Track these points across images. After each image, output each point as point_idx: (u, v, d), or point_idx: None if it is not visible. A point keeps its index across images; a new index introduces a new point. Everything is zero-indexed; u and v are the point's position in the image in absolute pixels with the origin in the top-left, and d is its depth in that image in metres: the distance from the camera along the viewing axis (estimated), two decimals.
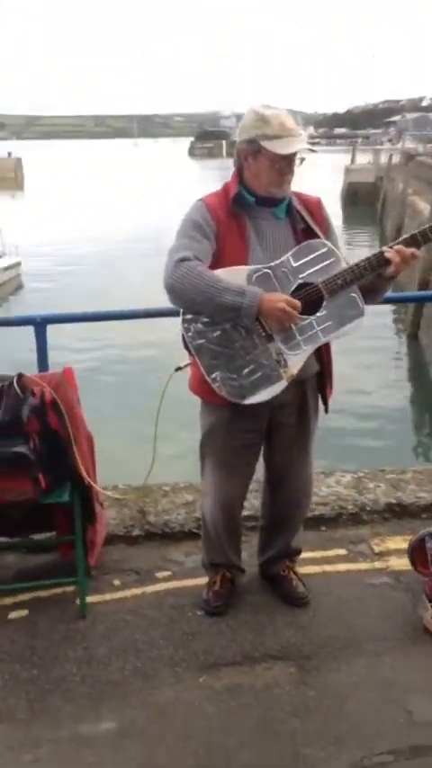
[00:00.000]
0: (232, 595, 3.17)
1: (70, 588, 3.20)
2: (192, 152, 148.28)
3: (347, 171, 48.66)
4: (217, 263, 2.68)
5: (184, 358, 2.87)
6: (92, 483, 3.16)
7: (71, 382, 3.20)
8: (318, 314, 2.69)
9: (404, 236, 2.76)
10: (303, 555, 3.45)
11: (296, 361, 2.69)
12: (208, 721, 2.54)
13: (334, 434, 10.40)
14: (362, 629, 3.00)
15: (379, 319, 16.64)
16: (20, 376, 3.01)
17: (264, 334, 2.66)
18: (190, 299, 2.59)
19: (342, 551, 3.55)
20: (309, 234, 2.78)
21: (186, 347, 2.73)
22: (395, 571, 3.36)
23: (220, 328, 2.67)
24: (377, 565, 3.43)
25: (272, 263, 2.68)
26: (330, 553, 3.54)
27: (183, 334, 2.71)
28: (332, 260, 2.70)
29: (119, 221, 38.43)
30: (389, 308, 17.53)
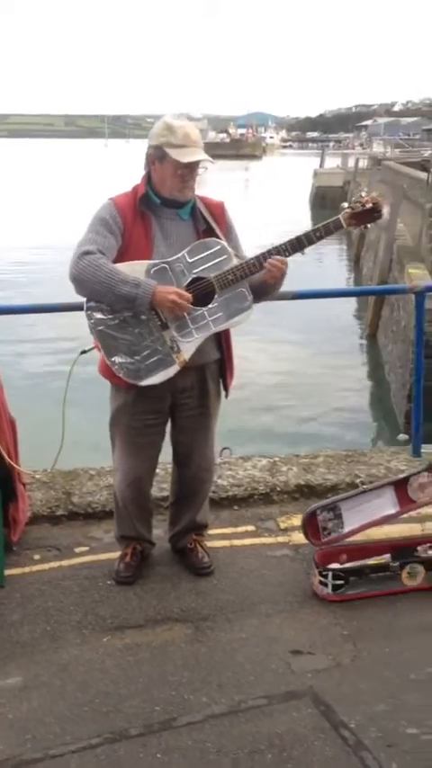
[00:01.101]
0: (142, 567, 3.43)
1: None
2: None
3: (316, 174, 48.98)
4: (123, 257, 2.95)
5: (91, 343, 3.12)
6: (12, 463, 3.39)
7: None
8: (209, 306, 2.96)
9: (291, 238, 3.03)
10: (214, 530, 3.74)
11: (188, 347, 2.97)
12: (106, 674, 2.80)
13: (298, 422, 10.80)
14: (257, 594, 3.28)
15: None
16: None
17: (159, 322, 2.94)
18: (90, 289, 2.86)
19: (251, 527, 3.84)
20: (209, 234, 3.06)
21: (91, 332, 3.00)
22: (296, 544, 3.64)
23: (120, 316, 2.93)
24: (280, 539, 3.72)
25: (169, 259, 2.96)
26: (240, 529, 3.82)
27: (87, 321, 2.98)
28: (224, 257, 2.98)
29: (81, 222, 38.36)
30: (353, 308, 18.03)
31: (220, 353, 3.19)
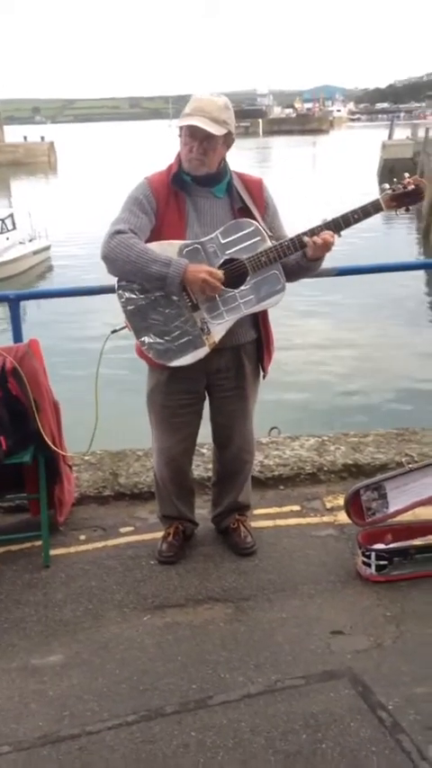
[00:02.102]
0: (185, 546, 3.45)
1: (39, 543, 3.50)
2: None
3: (384, 147, 47.88)
4: (157, 236, 2.93)
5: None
6: (54, 447, 3.44)
7: (36, 353, 3.49)
8: (241, 287, 2.93)
9: (327, 219, 2.97)
10: (259, 510, 3.73)
11: (219, 329, 2.94)
12: (144, 653, 2.83)
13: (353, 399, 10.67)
14: (300, 574, 3.26)
15: None
16: None
17: (190, 303, 2.92)
18: (121, 268, 2.86)
19: (296, 507, 3.80)
20: (245, 213, 3.01)
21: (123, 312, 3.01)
22: (341, 524, 3.60)
23: (151, 296, 2.93)
24: (326, 519, 3.68)
25: (202, 239, 2.93)
26: (285, 509, 3.79)
27: (118, 300, 2.98)
28: (258, 238, 2.93)
29: None
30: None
31: (256, 333, 3.15)
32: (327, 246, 2.93)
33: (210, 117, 2.84)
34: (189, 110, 2.87)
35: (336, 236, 2.93)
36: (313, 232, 2.93)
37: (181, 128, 2.90)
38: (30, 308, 15.77)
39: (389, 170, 44.69)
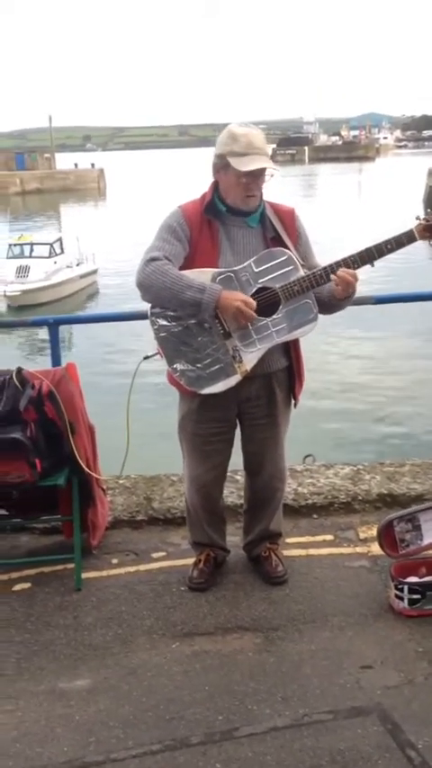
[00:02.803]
0: (216, 574, 3.43)
1: (71, 565, 3.52)
2: (274, 158, 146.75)
3: (430, 173, 47.71)
4: (190, 264, 2.97)
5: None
6: (87, 470, 3.46)
7: (73, 377, 3.53)
8: (274, 316, 2.94)
9: (360, 249, 2.96)
10: (292, 539, 3.71)
11: (251, 358, 2.95)
12: (172, 680, 2.81)
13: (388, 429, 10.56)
14: (331, 605, 3.21)
15: None
16: (19, 370, 3.35)
17: (222, 330, 2.94)
18: (156, 294, 2.90)
19: (329, 537, 3.77)
20: (278, 242, 3.03)
21: (155, 338, 3.04)
22: (375, 555, 3.54)
23: (184, 323, 2.95)
24: (359, 549, 3.63)
25: (235, 267, 2.95)
26: (318, 538, 3.76)
27: (150, 327, 3.01)
28: (291, 267, 2.95)
29: None
30: None
31: (288, 361, 3.15)
32: (349, 284, 2.92)
33: (266, 153, 2.90)
34: (243, 149, 2.86)
35: (369, 265, 2.93)
36: (346, 262, 2.94)
37: (236, 169, 2.86)
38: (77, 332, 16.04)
39: None
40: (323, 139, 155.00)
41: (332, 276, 2.91)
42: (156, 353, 3.10)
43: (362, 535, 3.75)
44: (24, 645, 3.05)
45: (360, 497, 4.01)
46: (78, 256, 26.17)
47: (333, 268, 2.93)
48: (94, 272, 26.40)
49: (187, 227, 2.98)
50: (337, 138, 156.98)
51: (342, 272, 2.90)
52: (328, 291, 2.99)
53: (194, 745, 2.50)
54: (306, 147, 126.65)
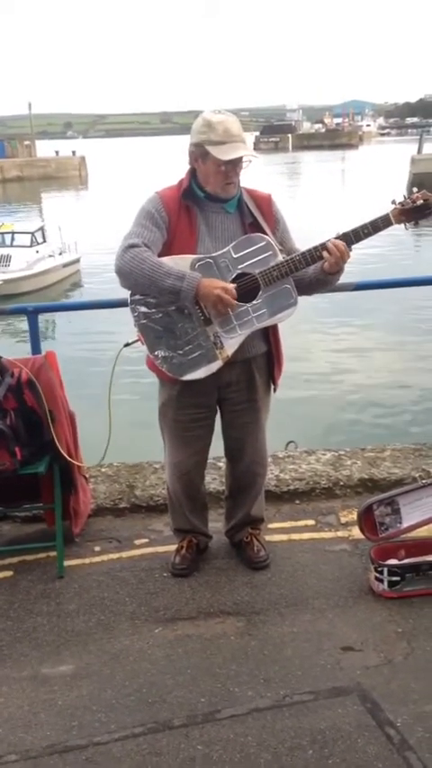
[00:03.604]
0: (198, 560, 3.45)
1: (54, 553, 3.53)
2: (257, 146, 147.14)
3: (413, 161, 47.66)
4: (168, 251, 2.96)
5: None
6: (69, 457, 3.47)
7: (53, 365, 3.53)
8: (254, 302, 2.95)
9: (340, 232, 2.99)
10: (274, 525, 3.74)
11: (232, 343, 2.97)
12: (155, 665, 2.83)
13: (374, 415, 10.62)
14: (312, 588, 3.25)
15: None
16: None
17: (203, 317, 2.94)
18: (135, 282, 2.89)
19: (311, 522, 3.80)
20: (256, 228, 3.04)
21: (135, 325, 3.04)
22: (355, 539, 3.58)
23: (164, 310, 2.96)
24: (340, 534, 3.67)
25: (214, 254, 2.95)
26: (299, 523, 3.79)
27: (131, 314, 3.01)
28: (269, 253, 2.96)
29: None
30: None
31: (267, 346, 3.16)
32: (342, 257, 2.94)
33: (243, 141, 2.90)
34: (220, 137, 2.85)
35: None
36: (324, 247, 2.95)
37: (216, 157, 2.86)
38: (60, 321, 15.98)
39: (418, 184, 44.06)
40: (306, 127, 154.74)
41: (329, 244, 2.91)
42: (136, 340, 3.11)
43: (343, 519, 3.79)
44: (7, 632, 3.06)
45: (341, 483, 4.05)
46: (61, 245, 25.99)
47: (312, 253, 2.94)
48: (77, 260, 26.22)
49: (165, 213, 2.98)
50: (321, 125, 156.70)
51: (334, 241, 2.91)
52: (314, 270, 3.00)
53: (177, 727, 2.53)
54: (290, 135, 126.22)
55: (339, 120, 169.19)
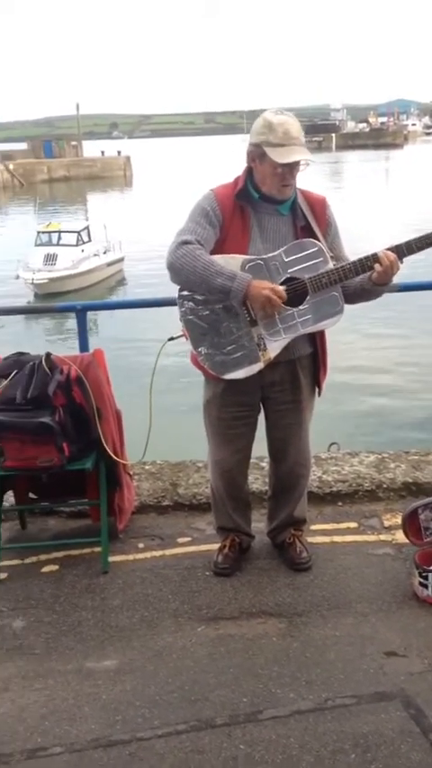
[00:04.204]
0: (241, 559, 3.46)
1: (98, 549, 3.57)
2: None
3: None
4: (220, 249, 2.98)
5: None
6: (112, 454, 3.50)
7: (101, 363, 3.57)
8: (300, 307, 2.95)
9: (391, 245, 2.98)
10: (316, 526, 3.73)
11: (275, 346, 2.97)
12: (197, 663, 2.85)
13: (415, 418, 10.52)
14: (355, 592, 3.23)
15: None
16: (47, 355, 3.40)
17: (249, 318, 2.96)
18: (186, 278, 2.92)
19: (353, 524, 3.78)
20: (307, 231, 3.04)
21: (180, 320, 3.06)
22: (399, 543, 3.55)
23: (211, 307, 2.97)
24: (383, 537, 3.64)
25: (265, 256, 2.96)
26: (342, 525, 3.77)
27: (178, 309, 3.03)
28: (320, 259, 2.96)
29: None
30: None
31: (312, 348, 3.16)
32: (392, 269, 2.93)
33: (302, 144, 2.90)
34: (280, 139, 2.84)
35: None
36: (376, 258, 2.93)
37: (272, 159, 2.85)
38: (102, 319, 16.12)
39: None
40: (350, 126, 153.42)
41: (381, 254, 2.90)
42: (181, 335, 3.13)
43: (386, 523, 3.76)
44: (53, 625, 3.11)
45: (385, 485, 4.02)
46: (105, 244, 26.22)
47: (363, 263, 2.94)
48: (121, 260, 26.46)
49: (220, 211, 2.99)
50: (365, 124, 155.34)
51: (386, 252, 2.90)
52: (361, 279, 2.99)
53: (219, 726, 2.54)
54: (333, 135, 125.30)
55: (384, 119, 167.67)
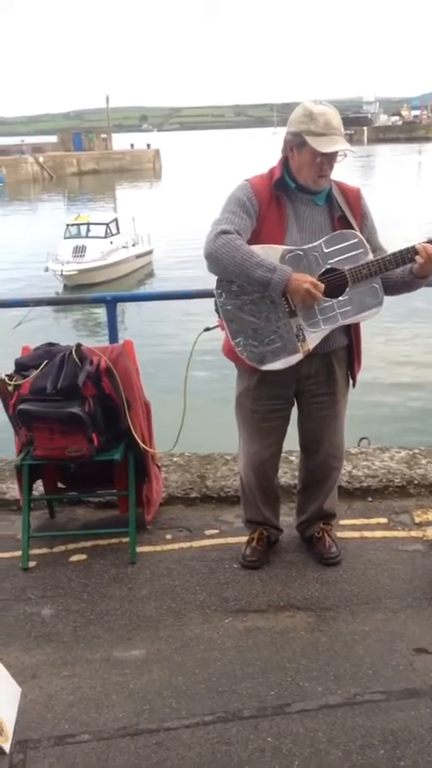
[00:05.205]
0: (269, 552, 3.45)
1: (126, 540, 3.58)
2: None
3: None
4: (256, 239, 2.96)
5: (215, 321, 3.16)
6: (143, 445, 3.51)
7: (130, 354, 3.58)
8: (340, 298, 2.93)
9: (429, 237, 2.94)
10: (345, 521, 3.70)
11: (314, 337, 2.95)
12: (224, 654, 2.84)
13: None
14: (384, 588, 3.20)
15: None
16: (78, 346, 3.41)
17: (288, 309, 2.94)
18: (225, 268, 2.89)
19: (383, 520, 3.74)
20: (344, 222, 3.01)
21: (217, 311, 3.04)
22: (430, 540, 3.52)
23: (250, 298, 2.95)
24: (414, 533, 3.60)
25: (305, 246, 2.94)
26: (372, 521, 3.74)
27: (215, 299, 3.02)
28: (361, 251, 2.94)
29: None
30: None
31: (348, 340, 3.13)
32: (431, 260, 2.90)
33: (342, 134, 2.88)
34: (321, 129, 2.83)
35: None
36: (416, 250, 2.90)
37: (314, 149, 2.84)
38: (129, 311, 16.15)
39: None
40: (383, 119, 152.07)
41: (419, 247, 2.88)
42: (216, 326, 3.11)
43: (417, 519, 3.72)
44: (81, 614, 3.12)
45: (416, 481, 3.98)
46: (134, 236, 26.26)
47: (403, 255, 2.91)
48: (150, 252, 26.49)
49: (256, 201, 2.97)
50: (398, 118, 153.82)
51: (425, 245, 2.87)
52: (401, 271, 2.97)
53: (246, 718, 2.53)
54: (365, 128, 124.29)
55: (417, 112, 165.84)
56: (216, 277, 3.01)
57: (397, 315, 14.23)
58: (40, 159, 68.67)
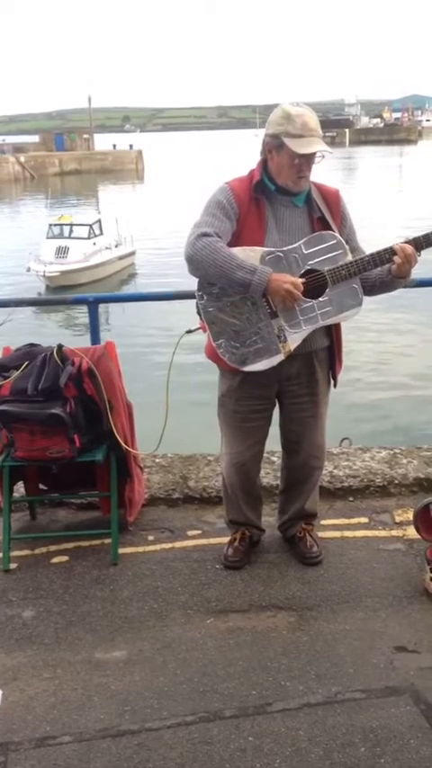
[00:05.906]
0: (251, 553, 3.46)
1: (108, 541, 3.57)
2: None
3: None
4: (236, 242, 2.97)
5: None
6: (126, 446, 3.51)
7: (112, 355, 3.57)
8: (320, 299, 2.94)
9: (409, 238, 2.97)
10: (327, 521, 3.72)
11: (295, 338, 2.96)
12: (206, 655, 2.85)
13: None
14: (365, 587, 3.22)
15: None
16: (59, 347, 3.40)
17: (269, 310, 2.95)
18: (205, 271, 2.90)
19: (364, 519, 3.77)
20: (323, 223, 3.03)
21: (198, 313, 3.05)
22: (410, 539, 3.54)
23: (231, 300, 2.96)
24: (394, 533, 3.63)
25: (285, 248, 2.95)
26: (353, 521, 3.76)
27: (196, 301, 3.03)
28: (340, 252, 2.96)
29: None
30: None
31: (329, 341, 3.15)
32: (410, 261, 2.92)
33: (320, 135, 2.91)
34: (299, 130, 2.84)
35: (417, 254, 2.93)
36: (393, 250, 2.93)
37: (293, 150, 2.85)
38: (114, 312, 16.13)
39: None
40: (365, 122, 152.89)
41: (397, 247, 2.91)
42: (198, 328, 3.12)
43: (397, 518, 3.75)
44: (62, 615, 3.11)
45: (396, 481, 4.01)
46: (117, 238, 26.20)
47: (381, 255, 2.94)
48: (132, 253, 26.44)
49: (236, 204, 2.98)
50: (379, 120, 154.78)
51: (402, 245, 2.90)
52: (380, 271, 2.99)
53: (228, 718, 2.54)
54: (347, 130, 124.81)
55: (398, 114, 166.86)
56: (197, 279, 3.01)
57: (377, 316, 14.34)
58: (22, 159, 68.30)
